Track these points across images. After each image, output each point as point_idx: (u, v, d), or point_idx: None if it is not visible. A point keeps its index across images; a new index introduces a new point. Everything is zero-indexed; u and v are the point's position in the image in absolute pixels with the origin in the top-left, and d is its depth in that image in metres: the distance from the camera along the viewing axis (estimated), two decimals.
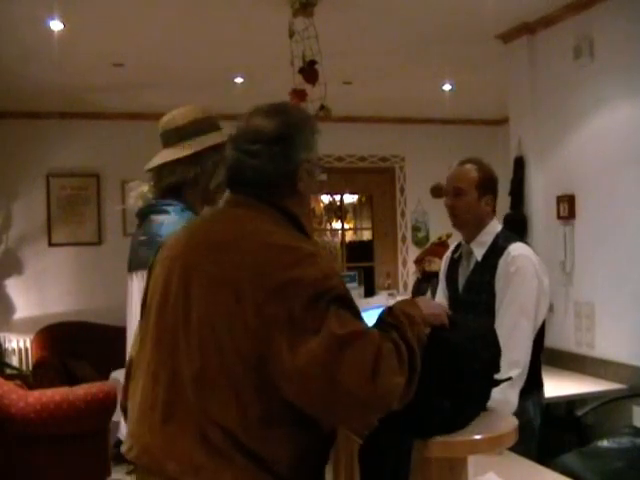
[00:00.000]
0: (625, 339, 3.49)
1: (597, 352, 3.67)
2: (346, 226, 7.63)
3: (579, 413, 3.25)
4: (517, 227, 4.00)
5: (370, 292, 5.71)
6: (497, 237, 2.50)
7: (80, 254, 6.26)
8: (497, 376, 1.52)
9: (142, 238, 2.09)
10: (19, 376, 5.04)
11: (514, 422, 1.49)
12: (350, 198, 7.73)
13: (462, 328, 1.49)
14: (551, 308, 3.82)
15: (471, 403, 1.46)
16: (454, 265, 2.65)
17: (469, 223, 2.52)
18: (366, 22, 4.01)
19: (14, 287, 6.11)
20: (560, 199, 3.90)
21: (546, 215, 4.04)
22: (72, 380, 4.78)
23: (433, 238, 6.12)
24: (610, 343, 3.59)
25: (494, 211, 2.55)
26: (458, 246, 2.67)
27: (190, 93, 4.98)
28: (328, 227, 7.69)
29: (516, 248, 2.43)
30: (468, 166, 2.51)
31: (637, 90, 3.43)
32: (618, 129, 3.55)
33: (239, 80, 5.17)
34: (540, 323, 2.44)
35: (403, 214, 7.15)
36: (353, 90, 5.50)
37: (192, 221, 1.72)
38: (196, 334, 1.38)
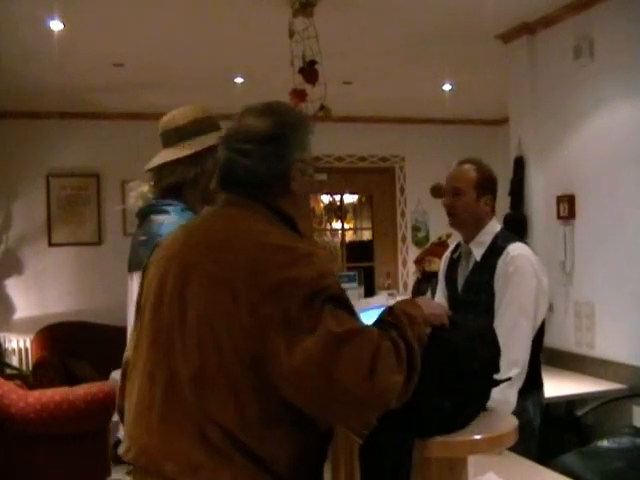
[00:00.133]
0: (625, 339, 3.50)
1: (597, 352, 3.67)
2: (346, 226, 7.63)
3: (579, 413, 3.25)
4: (517, 227, 4.00)
5: (370, 292, 5.71)
6: (496, 237, 2.50)
7: (80, 254, 6.26)
8: (497, 376, 1.52)
9: (142, 238, 2.09)
10: (19, 376, 5.04)
11: (514, 422, 1.49)
12: (350, 198, 7.73)
13: (462, 328, 1.49)
14: (551, 308, 3.82)
15: (471, 403, 1.46)
16: (453, 265, 2.65)
17: (467, 223, 2.52)
18: (366, 22, 4.01)
19: (14, 287, 6.11)
20: (560, 199, 3.90)
21: (546, 215, 4.04)
22: (72, 380, 4.78)
23: (433, 238, 6.13)
24: (610, 343, 3.59)
25: (493, 211, 2.55)
26: (457, 246, 2.67)
27: (190, 93, 4.97)
28: (328, 227, 7.69)
29: (515, 248, 2.43)
30: (467, 166, 2.52)
31: (637, 90, 3.43)
32: (618, 129, 3.55)
33: (239, 80, 5.17)
34: (539, 323, 2.45)
35: (403, 214, 7.15)
36: (353, 90, 5.50)
37: (187, 222, 1.71)
38: (194, 333, 1.37)
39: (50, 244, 6.20)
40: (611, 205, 3.58)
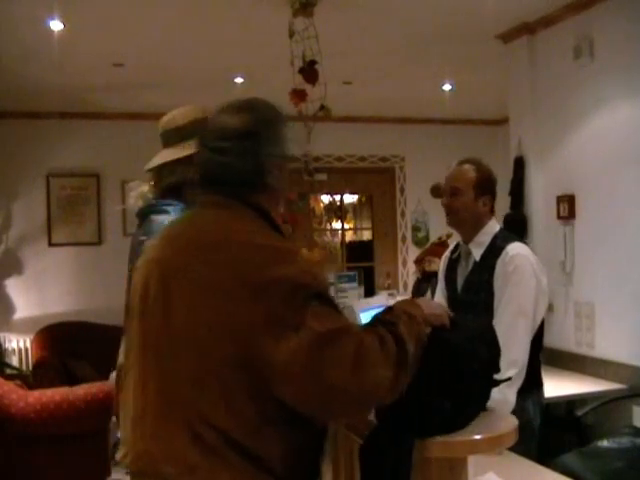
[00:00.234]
0: (625, 339, 3.50)
1: (597, 352, 3.67)
2: (346, 226, 7.63)
3: (579, 413, 3.25)
4: (517, 227, 4.00)
5: (370, 292, 5.71)
6: (495, 237, 2.50)
7: (80, 254, 6.26)
8: (497, 376, 1.52)
9: (142, 238, 2.09)
10: (19, 376, 5.04)
11: (514, 422, 1.49)
12: (350, 198, 7.73)
13: (462, 328, 1.49)
14: (551, 308, 3.82)
15: (471, 403, 1.46)
16: (453, 265, 2.65)
17: (466, 223, 2.52)
18: (366, 22, 4.01)
19: (14, 287, 6.11)
20: (560, 199, 3.90)
21: (546, 215, 4.04)
22: (72, 380, 4.78)
23: (433, 238, 6.13)
24: (610, 343, 3.59)
25: (492, 211, 2.55)
26: (457, 246, 2.67)
27: (190, 93, 4.97)
28: (328, 227, 7.68)
29: (514, 248, 2.43)
30: (466, 166, 2.51)
31: (637, 90, 3.43)
32: (618, 129, 3.55)
33: (239, 80, 5.17)
34: (539, 322, 2.45)
35: (403, 214, 7.15)
36: (353, 90, 5.50)
37: (169, 225, 1.71)
38: (181, 336, 1.38)
39: (50, 244, 6.20)
40: (611, 205, 3.58)
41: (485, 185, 2.50)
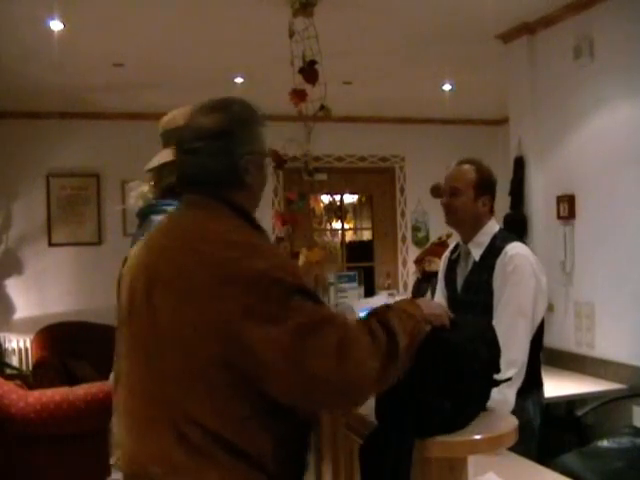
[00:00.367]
0: (625, 339, 3.50)
1: (597, 352, 3.67)
2: (346, 226, 7.62)
3: (579, 413, 3.25)
4: (517, 227, 4.00)
5: (370, 292, 5.70)
6: (495, 237, 2.50)
7: (80, 254, 6.26)
8: (497, 376, 1.52)
9: (142, 238, 2.09)
10: (19, 376, 5.04)
11: (514, 422, 1.49)
12: (350, 198, 7.72)
13: (462, 328, 1.49)
14: (551, 308, 3.82)
15: (471, 403, 1.46)
16: (452, 265, 2.65)
17: (465, 223, 2.52)
18: (366, 22, 4.01)
19: (14, 287, 6.11)
20: (560, 199, 3.90)
21: (546, 215, 4.04)
22: (72, 380, 4.77)
23: (433, 238, 6.12)
24: (610, 343, 3.59)
25: (492, 212, 2.55)
26: (456, 247, 2.67)
27: (190, 93, 4.94)
28: (328, 227, 7.68)
29: (513, 247, 2.43)
30: (466, 166, 2.51)
31: (637, 90, 3.43)
32: (618, 129, 3.55)
33: (239, 80, 5.17)
34: (538, 322, 2.44)
35: (403, 214, 7.15)
36: (353, 90, 5.50)
37: (154, 228, 1.72)
38: (167, 336, 1.39)
39: (50, 244, 6.20)
40: (611, 205, 3.58)
41: (485, 185, 2.50)
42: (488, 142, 6.60)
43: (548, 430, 2.61)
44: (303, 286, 1.38)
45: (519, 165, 4.19)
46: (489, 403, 1.53)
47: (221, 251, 1.38)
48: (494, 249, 2.46)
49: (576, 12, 3.75)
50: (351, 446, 1.62)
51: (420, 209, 7.09)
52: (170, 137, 2.16)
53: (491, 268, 2.42)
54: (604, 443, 2.73)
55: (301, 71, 3.51)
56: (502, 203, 3.91)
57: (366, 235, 7.69)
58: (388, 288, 6.19)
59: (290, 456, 1.45)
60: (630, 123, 3.48)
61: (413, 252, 6.69)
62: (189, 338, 1.35)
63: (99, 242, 6.32)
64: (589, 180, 3.73)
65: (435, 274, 3.31)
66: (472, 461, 1.49)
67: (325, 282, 3.78)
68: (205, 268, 1.37)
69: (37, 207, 6.16)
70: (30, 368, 5.62)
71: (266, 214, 6.07)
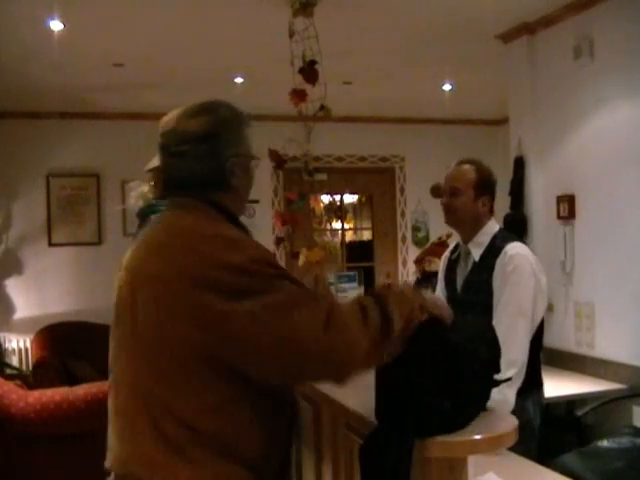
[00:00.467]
0: (625, 339, 3.49)
1: (597, 352, 3.67)
2: (346, 226, 7.62)
3: (579, 413, 3.25)
4: (517, 227, 4.00)
5: None
6: (494, 237, 2.50)
7: (80, 254, 6.26)
8: (497, 376, 1.52)
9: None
10: (19, 376, 5.04)
11: (514, 422, 1.49)
12: (350, 198, 7.72)
13: (462, 328, 1.49)
14: (551, 308, 3.82)
15: (471, 403, 1.46)
16: (452, 265, 2.66)
17: (465, 223, 2.52)
18: (366, 22, 4.01)
19: (14, 287, 6.11)
20: (560, 199, 3.90)
21: (546, 215, 4.04)
22: (72, 380, 4.77)
23: (433, 238, 6.12)
24: (610, 343, 3.59)
25: (492, 212, 2.55)
26: (456, 247, 2.68)
27: (190, 93, 4.94)
28: (328, 227, 7.68)
29: (513, 247, 2.43)
30: (466, 166, 2.52)
31: (637, 90, 3.43)
32: (618, 129, 3.55)
33: (239, 80, 5.17)
34: (538, 322, 2.44)
35: (403, 214, 7.15)
36: (353, 90, 5.50)
37: (143, 232, 1.74)
38: (148, 335, 1.40)
39: (50, 244, 6.20)
40: (611, 205, 3.58)
41: (485, 185, 2.50)
42: (488, 142, 6.60)
43: (548, 430, 2.61)
44: (287, 274, 1.40)
45: (519, 165, 4.19)
46: (489, 403, 1.53)
47: (197, 245, 1.39)
48: (494, 249, 2.46)
49: (576, 12, 3.75)
50: (351, 446, 1.62)
51: (420, 209, 7.09)
52: None
53: (491, 268, 2.42)
54: (604, 443, 2.73)
55: (301, 71, 3.51)
56: (502, 203, 3.91)
57: (366, 235, 7.69)
58: None
59: (271, 447, 1.45)
60: (630, 123, 3.48)
61: (413, 252, 6.69)
62: (168, 333, 1.36)
63: (99, 242, 6.31)
64: (589, 180, 3.73)
65: (435, 274, 3.30)
66: (472, 461, 1.49)
67: (325, 282, 3.78)
68: (180, 264, 1.37)
69: (37, 207, 6.16)
70: (30, 368, 5.62)
71: (266, 214, 6.08)
